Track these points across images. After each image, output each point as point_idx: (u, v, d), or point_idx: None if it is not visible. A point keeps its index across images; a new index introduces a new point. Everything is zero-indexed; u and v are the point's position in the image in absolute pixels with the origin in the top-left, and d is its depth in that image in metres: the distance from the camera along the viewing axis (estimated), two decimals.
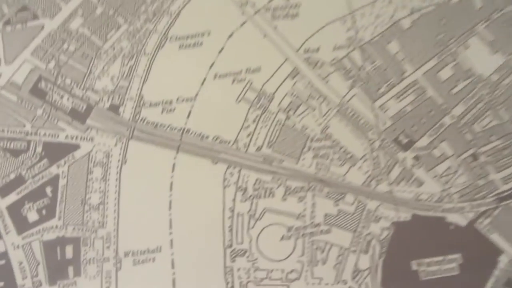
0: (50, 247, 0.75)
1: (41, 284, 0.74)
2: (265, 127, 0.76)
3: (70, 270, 0.74)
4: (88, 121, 0.76)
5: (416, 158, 0.75)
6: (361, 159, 0.75)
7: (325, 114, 0.76)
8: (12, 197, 0.76)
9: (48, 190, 0.76)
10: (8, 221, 0.75)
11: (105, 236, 0.75)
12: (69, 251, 0.75)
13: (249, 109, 0.76)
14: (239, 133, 0.76)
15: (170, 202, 0.75)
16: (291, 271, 0.74)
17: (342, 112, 0.76)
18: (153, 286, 0.74)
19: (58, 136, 0.76)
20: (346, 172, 0.75)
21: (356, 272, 0.74)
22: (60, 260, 0.75)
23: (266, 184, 0.75)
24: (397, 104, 0.76)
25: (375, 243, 0.74)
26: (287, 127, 0.76)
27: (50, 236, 0.75)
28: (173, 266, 0.74)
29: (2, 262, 0.75)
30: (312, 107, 0.76)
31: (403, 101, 0.76)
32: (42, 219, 0.75)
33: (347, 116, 0.76)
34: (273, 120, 0.76)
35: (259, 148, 0.76)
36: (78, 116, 0.76)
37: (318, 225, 0.74)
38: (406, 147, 0.75)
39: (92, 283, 0.74)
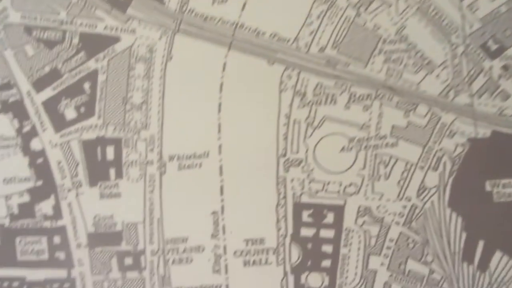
0: (89, 147, 0.68)
1: (81, 185, 0.68)
2: (331, 25, 0.65)
3: (112, 172, 0.68)
4: (130, 11, 0.66)
5: (505, 68, 0.64)
6: (439, 66, 0.64)
7: (402, 12, 0.64)
8: (48, 92, 0.68)
9: (86, 86, 0.68)
10: (45, 117, 0.69)
11: (149, 138, 0.68)
12: (110, 152, 0.68)
13: (313, 3, 0.64)
14: (300, 30, 0.66)
15: (220, 105, 0.67)
16: (350, 185, 0.67)
17: (423, 10, 0.64)
18: (199, 192, 0.68)
19: (96, 27, 0.67)
20: (421, 80, 0.65)
21: (422, 189, 0.66)
22: (100, 161, 0.68)
23: (328, 89, 0.66)
24: (489, 3, 0.63)
25: (446, 160, 0.65)
26: (357, 25, 0.65)
27: (89, 135, 0.68)
28: (221, 173, 0.67)
29: (40, 160, 0.69)
30: (387, 2, 0.64)
31: (497, 0, 0.63)
32: (80, 117, 0.68)
33: (428, 15, 0.64)
34: (341, 17, 0.65)
35: (322, 49, 0.65)
36: (118, 4, 0.66)
37: (383, 137, 0.66)
38: (495, 54, 0.64)
39: (135, 186, 0.68)
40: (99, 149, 0.68)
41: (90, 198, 0.69)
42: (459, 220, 0.65)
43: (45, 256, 0.70)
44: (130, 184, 0.68)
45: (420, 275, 0.66)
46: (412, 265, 0.66)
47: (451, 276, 0.66)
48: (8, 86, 0.69)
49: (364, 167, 0.66)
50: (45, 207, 0.69)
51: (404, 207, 0.66)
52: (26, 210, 0.70)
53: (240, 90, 0.66)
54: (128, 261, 0.69)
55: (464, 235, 0.66)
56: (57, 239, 0.70)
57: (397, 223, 0.66)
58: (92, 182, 0.68)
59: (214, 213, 0.68)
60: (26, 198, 0.69)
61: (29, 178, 0.69)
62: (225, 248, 0.68)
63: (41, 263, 0.70)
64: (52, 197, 0.69)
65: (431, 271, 0.66)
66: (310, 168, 0.66)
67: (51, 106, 0.68)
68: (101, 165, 0.68)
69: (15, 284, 0.71)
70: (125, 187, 0.68)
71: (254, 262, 0.68)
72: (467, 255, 0.66)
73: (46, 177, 0.69)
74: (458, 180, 0.65)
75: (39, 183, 0.69)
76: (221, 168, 0.67)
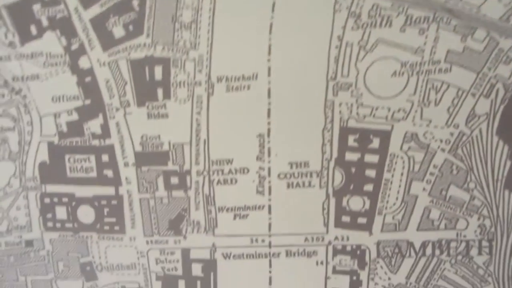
0: (138, 66, 0.40)
1: (129, 104, 0.41)
2: None
3: (160, 92, 0.40)
4: None
5: None
6: None
7: None
8: (96, 9, 0.40)
9: (135, 3, 0.39)
10: (93, 35, 0.40)
11: (197, 58, 0.39)
12: (158, 72, 0.40)
13: None
14: None
15: (271, 25, 0.39)
16: (398, 110, 0.39)
17: None
18: (245, 115, 0.40)
19: None
20: (483, 3, 0.37)
21: (472, 117, 0.38)
22: (149, 81, 0.40)
23: (384, 11, 0.38)
24: None
25: (499, 87, 0.38)
26: None
27: (138, 54, 0.40)
28: (269, 96, 0.40)
29: (88, 79, 0.41)
30: None
31: None
32: (129, 36, 0.40)
33: None
34: None
35: None
36: None
37: (437, 62, 0.38)
38: None
39: (182, 107, 0.40)
40: (147, 69, 0.40)
41: (138, 118, 0.41)
42: (505, 148, 0.39)
43: (94, 174, 0.43)
44: (178, 105, 0.40)
45: (460, 201, 0.40)
46: (453, 191, 0.40)
47: (491, 203, 0.39)
48: (55, 1, 0.40)
49: (415, 92, 0.38)
50: (94, 126, 0.42)
51: (452, 134, 0.39)
52: (75, 128, 0.42)
53: (293, 10, 0.38)
54: (174, 180, 0.42)
55: (508, 163, 0.39)
56: (105, 158, 0.42)
57: (443, 150, 0.39)
58: (140, 102, 0.41)
59: (260, 135, 0.40)
60: (74, 116, 0.42)
61: (77, 96, 0.41)
62: (269, 170, 0.41)
63: (89, 180, 0.43)
64: (100, 116, 0.41)
65: (472, 198, 0.40)
66: (359, 93, 0.39)
67: (99, 23, 0.40)
68: (149, 85, 0.40)
69: (65, 199, 0.43)
70: (173, 107, 0.40)
71: (297, 185, 0.41)
72: (509, 183, 0.39)
73: (94, 96, 0.41)
74: (509, 108, 0.38)
75: (88, 102, 0.41)
76: (269, 90, 0.39)
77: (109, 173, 0.42)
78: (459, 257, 0.41)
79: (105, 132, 0.41)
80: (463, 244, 0.40)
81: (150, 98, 0.40)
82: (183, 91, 0.39)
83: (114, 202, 0.42)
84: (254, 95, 0.39)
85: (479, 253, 0.40)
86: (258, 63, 0.38)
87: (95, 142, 0.41)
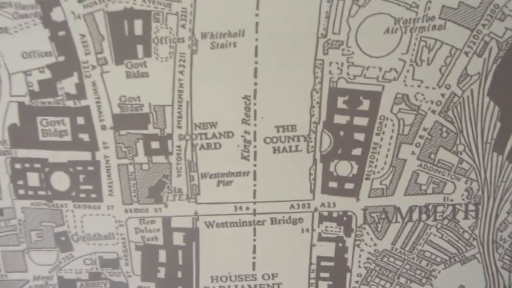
0: (116, 20, 0.28)
1: (106, 62, 0.29)
2: None
3: (139, 48, 0.28)
4: None
5: None
6: None
7: None
8: None
9: None
10: None
11: (180, 12, 0.28)
12: (138, 26, 0.28)
13: None
14: None
15: None
16: (390, 70, 0.29)
17: None
18: (231, 75, 0.29)
19: None
20: None
21: (464, 76, 0.28)
22: (128, 36, 0.28)
23: None
24: None
25: (493, 45, 0.28)
26: None
27: (116, 6, 0.28)
28: (256, 54, 0.29)
29: (62, 33, 0.29)
30: None
31: None
32: None
33: None
34: None
35: None
36: None
37: (432, 18, 0.28)
38: None
39: (164, 66, 0.29)
40: (126, 23, 0.28)
41: (116, 77, 0.29)
42: (496, 109, 0.29)
43: (68, 138, 0.31)
44: (159, 63, 0.29)
45: (449, 164, 0.30)
46: (442, 154, 0.30)
47: (479, 166, 0.29)
48: None
49: (407, 51, 0.28)
50: (68, 85, 0.30)
51: (443, 95, 0.29)
52: (47, 87, 0.30)
53: None
54: (155, 145, 0.30)
55: (498, 125, 0.29)
56: (80, 120, 0.30)
57: (433, 112, 0.29)
58: (118, 59, 0.29)
59: (246, 97, 0.29)
60: (47, 74, 0.30)
61: (50, 52, 0.29)
62: (255, 134, 0.30)
63: (64, 145, 0.31)
64: (75, 74, 0.29)
65: (460, 161, 0.30)
66: (350, 52, 0.28)
67: None
68: (128, 41, 0.29)
69: (37, 165, 0.31)
70: (154, 66, 0.29)
71: (284, 149, 0.30)
72: (498, 146, 0.29)
73: (68, 53, 0.29)
74: (501, 68, 0.28)
75: (61, 58, 0.29)
76: (256, 48, 0.28)
77: (85, 136, 0.30)
78: (445, 222, 0.31)
79: (81, 92, 0.29)
80: (450, 208, 0.30)
81: (129, 56, 0.28)
82: (165, 48, 0.28)
83: (90, 168, 0.30)
84: (241, 54, 0.28)
85: (465, 217, 0.30)
86: (245, 18, 0.27)
87: (70, 103, 0.29)
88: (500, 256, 0.31)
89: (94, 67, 0.29)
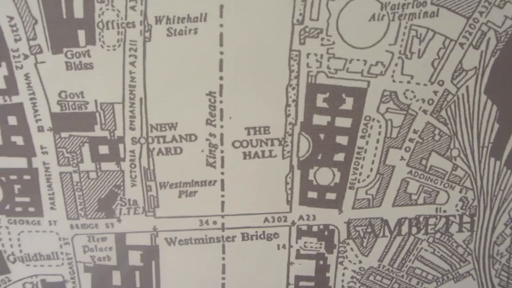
0: (51, 0, 0.22)
1: (41, 51, 0.23)
2: None
3: (81, 35, 0.23)
4: None
5: None
6: None
7: None
8: None
9: None
10: None
11: None
12: (78, 7, 0.23)
13: None
14: None
15: None
16: (376, 63, 0.24)
17: None
18: (192, 67, 0.24)
19: None
20: None
21: (459, 71, 0.24)
22: (66, 19, 0.23)
23: None
24: None
25: (491, 36, 0.23)
26: None
27: None
28: (221, 43, 0.24)
29: None
30: None
31: None
32: None
33: None
34: None
35: None
36: None
37: (423, 3, 0.23)
38: None
39: (111, 56, 0.23)
40: (63, 3, 0.22)
41: (54, 69, 0.24)
42: (494, 109, 0.25)
43: None
44: (105, 53, 0.23)
45: (441, 171, 0.25)
46: (435, 160, 0.26)
47: (475, 172, 0.25)
48: None
49: (396, 41, 0.24)
50: None
51: (436, 92, 0.25)
52: None
53: None
54: (104, 149, 0.25)
55: (496, 127, 0.25)
56: (12, 120, 0.24)
57: (425, 111, 0.25)
58: (56, 47, 0.23)
59: (210, 93, 0.24)
60: None
61: None
62: (222, 137, 0.25)
63: None
64: (4, 65, 0.24)
65: (454, 167, 0.25)
66: (330, 42, 0.23)
67: None
68: (67, 25, 0.23)
69: None
70: (99, 56, 0.23)
71: (256, 155, 0.25)
72: (496, 150, 0.25)
73: None
74: (500, 62, 0.24)
75: None
76: (221, 36, 0.23)
77: (18, 140, 0.24)
78: (438, 235, 0.26)
79: (11, 86, 0.23)
80: (443, 220, 0.26)
81: (68, 43, 0.23)
82: (112, 34, 0.23)
83: (26, 177, 0.25)
84: (203, 42, 0.23)
85: (460, 230, 0.26)
86: (207, 0, 0.22)
87: None
88: (496, 272, 0.27)
89: (26, 57, 0.23)
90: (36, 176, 0.25)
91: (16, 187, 0.25)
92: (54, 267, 0.27)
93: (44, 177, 0.25)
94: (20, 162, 0.25)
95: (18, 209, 0.26)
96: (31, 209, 0.26)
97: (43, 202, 0.26)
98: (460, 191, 0.26)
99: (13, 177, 0.25)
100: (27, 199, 0.26)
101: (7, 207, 0.26)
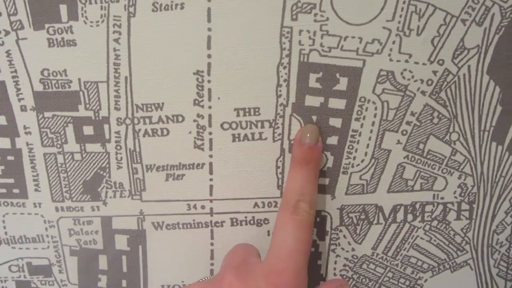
0: None
1: (22, 27, 0.22)
2: None
3: (63, 9, 0.22)
4: None
5: None
6: None
7: None
8: None
9: None
10: None
11: None
12: None
13: None
14: None
15: None
16: (372, 41, 0.22)
17: None
18: (179, 44, 0.22)
19: None
20: None
21: (460, 50, 0.22)
22: None
23: None
24: None
25: (495, 12, 0.22)
26: None
27: None
28: (209, 19, 0.22)
29: None
30: None
31: None
32: None
33: None
34: None
35: None
36: None
37: None
38: None
39: (95, 32, 0.22)
40: None
41: (36, 46, 0.22)
42: (497, 90, 0.23)
43: None
44: (88, 29, 0.22)
45: (440, 156, 0.24)
46: (433, 144, 0.24)
47: (475, 158, 0.23)
48: None
49: (393, 17, 0.22)
50: None
51: (435, 72, 0.23)
52: None
53: None
54: (88, 130, 0.24)
55: (499, 110, 0.23)
56: None
57: (423, 93, 0.23)
58: (37, 23, 0.22)
59: (198, 72, 0.23)
60: None
61: None
62: (210, 118, 0.23)
63: None
64: None
65: (453, 152, 0.24)
66: (324, 17, 0.22)
67: None
68: None
69: None
70: (82, 32, 0.22)
71: (245, 137, 0.23)
72: (498, 134, 0.24)
73: None
74: (505, 40, 0.22)
75: None
76: (209, 11, 0.21)
77: (1, 119, 0.23)
78: (434, 223, 0.25)
79: None
80: (440, 208, 0.25)
81: (50, 19, 0.21)
82: (95, 9, 0.21)
83: (10, 157, 0.24)
84: (190, 17, 0.21)
85: (457, 218, 0.25)
86: None
87: None
88: (495, 262, 0.25)
89: (7, 33, 0.22)
90: (20, 157, 0.24)
91: (0, 168, 0.24)
92: (39, 250, 0.26)
93: (28, 158, 0.24)
94: (3, 143, 0.24)
95: (2, 190, 0.25)
96: (16, 190, 0.25)
97: (28, 184, 0.25)
98: (459, 177, 0.24)
99: None
100: (11, 181, 0.25)
101: None
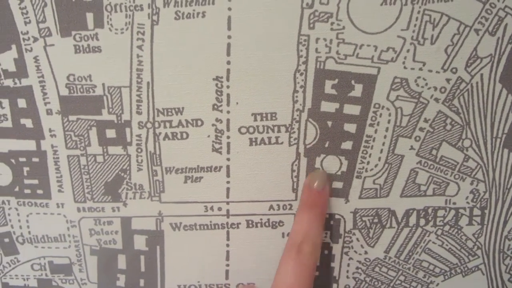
0: None
1: (50, 34, 0.22)
2: None
3: (89, 18, 0.22)
4: None
5: None
6: None
7: None
8: None
9: None
10: None
11: None
12: None
13: None
14: None
15: None
16: (387, 49, 0.23)
17: None
18: (200, 51, 0.23)
19: None
20: None
21: (473, 59, 0.22)
22: (75, 2, 0.22)
23: None
24: None
25: (508, 22, 0.22)
26: None
27: None
28: (229, 27, 0.23)
29: None
30: None
31: None
32: None
33: None
34: None
35: None
36: None
37: None
38: None
39: (119, 39, 0.23)
40: None
41: (63, 52, 0.23)
42: (509, 99, 0.23)
43: (8, 123, 0.25)
44: (113, 36, 0.22)
45: (452, 162, 0.24)
46: (445, 150, 0.24)
47: (487, 164, 0.24)
48: None
49: (408, 27, 0.22)
50: (5, 60, 0.24)
51: (448, 80, 0.23)
52: None
53: None
54: (111, 133, 0.24)
55: (511, 117, 0.23)
56: (22, 103, 0.24)
57: (437, 100, 0.24)
58: (64, 30, 0.23)
59: (217, 78, 0.23)
60: None
61: None
62: (228, 122, 0.24)
63: (3, 132, 0.25)
64: (14, 48, 0.23)
65: (466, 158, 0.24)
66: (340, 26, 0.22)
67: None
68: (75, 7, 0.22)
69: None
70: (107, 39, 0.23)
71: (262, 141, 0.24)
72: (510, 141, 0.24)
73: (4, 21, 0.23)
74: None
75: None
76: (229, 19, 0.22)
77: (27, 122, 0.24)
78: (446, 228, 0.25)
79: (21, 69, 0.23)
80: (452, 213, 0.25)
81: (77, 26, 0.22)
82: (120, 17, 0.22)
83: (35, 159, 0.24)
84: (211, 26, 0.22)
85: (469, 223, 0.25)
86: None
87: (8, 82, 0.23)
88: (507, 267, 0.26)
89: (36, 39, 0.23)
90: (45, 159, 0.25)
91: (25, 169, 0.25)
92: (61, 249, 0.27)
93: (52, 160, 0.25)
94: (29, 145, 0.25)
95: (27, 191, 0.25)
96: (40, 191, 0.25)
97: (51, 185, 0.25)
98: (471, 183, 0.25)
99: (22, 159, 0.25)
100: (35, 181, 0.25)
101: (16, 189, 0.25)
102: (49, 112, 0.24)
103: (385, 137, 0.24)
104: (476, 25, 0.22)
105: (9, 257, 0.27)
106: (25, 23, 0.23)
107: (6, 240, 0.27)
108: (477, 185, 0.25)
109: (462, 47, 0.23)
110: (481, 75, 0.23)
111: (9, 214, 0.26)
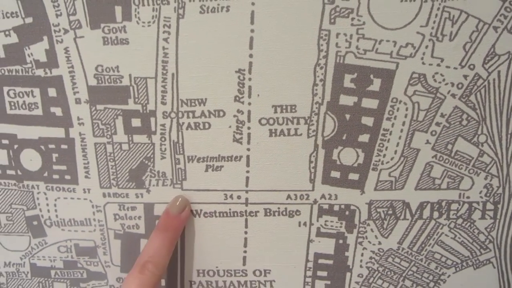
0: None
1: (80, 26, 0.23)
2: None
3: (118, 10, 0.23)
4: None
5: None
6: None
7: None
8: None
9: None
10: None
11: None
12: None
13: None
14: None
15: None
16: (406, 45, 0.23)
17: None
18: (223, 44, 0.24)
19: None
20: None
21: (491, 56, 0.23)
22: None
23: None
24: None
25: None
26: None
27: None
28: (252, 21, 0.23)
29: None
30: None
31: None
32: None
33: None
34: None
35: None
36: None
37: None
38: None
39: (146, 32, 0.23)
40: None
41: (92, 44, 0.24)
42: None
43: (39, 111, 0.26)
44: (140, 29, 0.23)
45: (467, 157, 0.24)
46: (461, 145, 0.25)
47: (502, 159, 0.24)
48: None
49: (427, 23, 0.23)
50: (37, 51, 0.25)
51: (466, 76, 0.23)
52: (14, 53, 0.25)
53: None
54: (136, 122, 0.25)
55: None
56: (52, 92, 0.25)
57: (454, 96, 0.24)
58: (94, 23, 0.23)
59: (239, 71, 0.24)
60: (13, 38, 0.24)
61: (16, 13, 0.24)
62: (249, 114, 0.24)
63: (34, 119, 0.26)
64: (45, 39, 0.24)
65: (481, 154, 0.24)
66: (361, 22, 0.23)
67: None
68: (105, 1, 0.23)
69: (5, 141, 0.26)
70: (134, 31, 0.23)
71: (281, 132, 0.25)
72: None
73: (37, 13, 0.24)
74: None
75: (29, 20, 0.24)
76: (252, 14, 0.23)
77: (57, 111, 0.25)
78: (459, 221, 0.25)
79: (52, 59, 0.24)
80: (465, 206, 0.25)
81: (106, 19, 0.23)
82: (147, 10, 0.23)
83: (64, 146, 0.25)
84: (234, 19, 0.22)
85: (482, 217, 0.25)
86: None
87: (40, 72, 0.24)
88: None
89: (66, 31, 0.23)
90: (73, 146, 0.26)
91: (54, 155, 0.26)
92: (86, 233, 0.28)
93: (80, 147, 0.26)
94: (58, 132, 0.26)
95: (56, 176, 0.27)
96: (67, 177, 0.26)
97: (79, 171, 0.26)
98: (485, 178, 0.25)
99: (51, 146, 0.26)
100: (63, 167, 0.26)
101: (46, 174, 0.27)
102: (77, 101, 0.25)
103: (401, 131, 0.25)
104: (495, 23, 0.23)
105: (37, 239, 0.28)
106: (57, 15, 0.24)
107: (35, 223, 0.28)
108: (491, 180, 0.25)
109: (480, 44, 0.23)
110: (498, 72, 0.24)
111: (38, 198, 0.27)
